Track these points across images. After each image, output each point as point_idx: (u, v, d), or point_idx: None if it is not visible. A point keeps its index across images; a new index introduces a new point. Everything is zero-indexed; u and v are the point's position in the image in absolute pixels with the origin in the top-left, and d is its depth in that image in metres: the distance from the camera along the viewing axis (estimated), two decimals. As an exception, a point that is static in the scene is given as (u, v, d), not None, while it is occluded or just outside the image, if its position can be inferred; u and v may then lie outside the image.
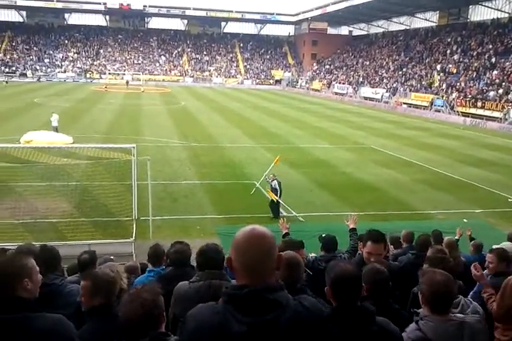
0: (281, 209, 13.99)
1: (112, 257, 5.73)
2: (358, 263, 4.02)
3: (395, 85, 57.04)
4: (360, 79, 65.67)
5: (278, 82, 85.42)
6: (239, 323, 1.90)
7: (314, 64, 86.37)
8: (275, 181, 13.73)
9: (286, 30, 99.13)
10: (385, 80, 60.52)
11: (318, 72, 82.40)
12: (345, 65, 77.16)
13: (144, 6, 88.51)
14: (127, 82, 69.19)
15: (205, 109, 42.15)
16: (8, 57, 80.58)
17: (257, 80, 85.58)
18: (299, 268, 3.39)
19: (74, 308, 3.38)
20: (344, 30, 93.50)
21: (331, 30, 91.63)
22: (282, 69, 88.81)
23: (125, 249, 10.40)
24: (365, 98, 59.26)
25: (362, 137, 29.73)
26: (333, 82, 71.16)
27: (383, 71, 64.14)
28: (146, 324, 2.20)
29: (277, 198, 13.50)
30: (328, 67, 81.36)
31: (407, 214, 14.46)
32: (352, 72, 70.97)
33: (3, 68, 76.88)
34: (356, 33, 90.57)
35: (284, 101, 55.68)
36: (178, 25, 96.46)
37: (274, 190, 13.64)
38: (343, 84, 68.06)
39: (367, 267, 3.39)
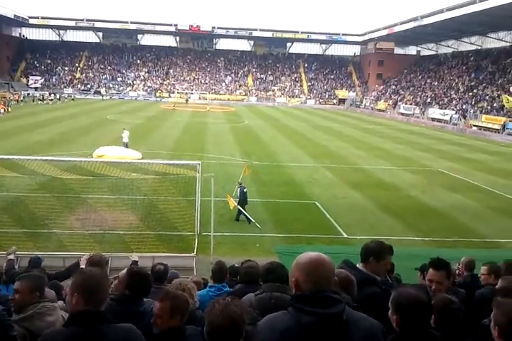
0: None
1: (176, 271, 5.90)
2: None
3: (464, 107, 55.12)
4: (428, 100, 64.02)
5: (341, 101, 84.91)
6: (309, 315, 2.21)
7: (380, 84, 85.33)
8: (239, 189, 15.10)
9: (351, 50, 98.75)
10: (454, 101, 58.62)
11: (383, 92, 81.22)
12: (412, 85, 75.58)
13: (213, 28, 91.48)
14: (187, 100, 73.58)
15: (268, 128, 42.61)
16: (84, 75, 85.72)
17: (320, 100, 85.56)
18: (353, 287, 3.32)
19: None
20: (412, 50, 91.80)
21: (397, 50, 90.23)
22: (346, 89, 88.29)
23: (187, 263, 10.63)
24: (433, 119, 57.60)
25: (429, 159, 28.82)
26: (399, 103, 69.79)
27: (452, 92, 62.21)
28: (230, 335, 2.28)
29: (235, 204, 14.16)
30: (394, 87, 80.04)
31: (474, 241, 13.84)
32: (419, 93, 69.34)
33: (79, 86, 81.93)
34: (424, 52, 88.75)
35: (347, 121, 55.20)
36: (245, 45, 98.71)
37: (236, 197, 14.82)
38: (410, 104, 66.60)
39: (437, 297, 3.22)
